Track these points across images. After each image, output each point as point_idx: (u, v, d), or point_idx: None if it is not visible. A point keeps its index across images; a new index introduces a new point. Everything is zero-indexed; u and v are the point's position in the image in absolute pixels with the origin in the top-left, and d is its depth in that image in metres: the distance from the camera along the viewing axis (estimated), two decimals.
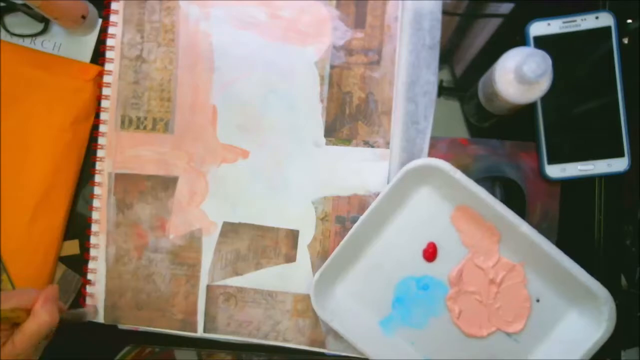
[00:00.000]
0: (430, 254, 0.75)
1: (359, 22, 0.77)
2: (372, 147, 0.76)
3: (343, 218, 0.77)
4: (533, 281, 0.73)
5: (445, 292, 0.75)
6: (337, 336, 0.75)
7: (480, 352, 0.74)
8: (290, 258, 0.77)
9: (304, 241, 0.78)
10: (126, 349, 0.84)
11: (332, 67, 0.78)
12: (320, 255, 0.77)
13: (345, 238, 0.74)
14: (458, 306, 0.74)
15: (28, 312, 0.63)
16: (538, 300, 0.73)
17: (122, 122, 0.79)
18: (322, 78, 0.78)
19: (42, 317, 0.62)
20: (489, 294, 0.74)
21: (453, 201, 0.74)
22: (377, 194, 0.76)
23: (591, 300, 0.70)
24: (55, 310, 0.64)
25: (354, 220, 0.75)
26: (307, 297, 0.77)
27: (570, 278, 0.70)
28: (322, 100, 0.77)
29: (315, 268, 0.77)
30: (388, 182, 0.76)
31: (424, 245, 0.75)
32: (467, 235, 0.74)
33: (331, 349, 0.77)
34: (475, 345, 0.75)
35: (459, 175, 0.71)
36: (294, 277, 0.78)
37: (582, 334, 0.70)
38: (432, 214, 0.75)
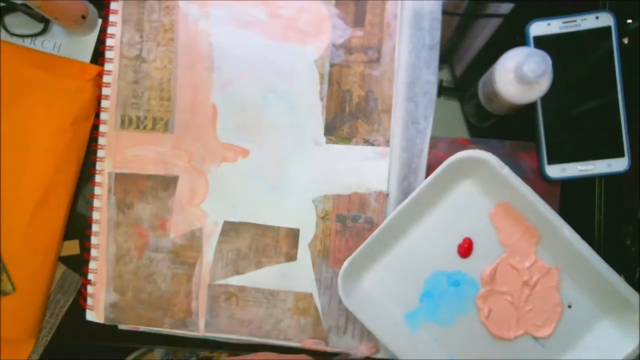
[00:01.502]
0: (466, 249, 0.74)
1: (358, 21, 0.77)
2: (372, 145, 0.76)
3: (344, 216, 0.77)
4: (567, 286, 0.72)
5: (476, 290, 0.74)
6: (339, 334, 0.75)
7: (505, 354, 0.73)
8: (291, 257, 0.78)
9: (304, 240, 0.78)
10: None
11: (331, 65, 0.78)
12: (321, 254, 0.77)
13: (380, 227, 0.72)
14: (488, 306, 0.73)
15: None
16: (570, 306, 0.72)
17: (122, 122, 0.79)
18: (321, 76, 0.78)
19: None
20: (521, 296, 0.73)
21: (495, 197, 0.73)
22: (377, 192, 0.76)
23: (627, 312, 0.69)
24: None
25: (355, 219, 0.76)
26: (308, 296, 0.77)
27: (607, 286, 0.68)
28: (322, 99, 0.77)
29: (316, 266, 0.77)
30: (388, 181, 0.76)
31: (459, 240, 0.74)
32: (506, 234, 0.73)
33: (333, 346, 0.77)
34: (500, 347, 0.73)
35: (506, 171, 0.69)
36: (295, 275, 0.78)
37: (613, 345, 0.70)
38: (472, 208, 0.74)
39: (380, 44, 0.77)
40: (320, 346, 0.77)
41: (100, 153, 0.79)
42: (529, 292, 0.72)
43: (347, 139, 0.77)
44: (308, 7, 0.78)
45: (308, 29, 0.78)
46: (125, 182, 0.79)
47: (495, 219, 0.73)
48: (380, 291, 0.75)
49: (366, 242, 0.72)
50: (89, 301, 0.79)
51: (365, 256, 0.73)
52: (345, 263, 0.72)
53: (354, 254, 0.72)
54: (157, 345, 0.81)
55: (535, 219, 0.71)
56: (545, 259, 0.72)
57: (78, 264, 0.80)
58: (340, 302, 0.76)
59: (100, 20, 0.81)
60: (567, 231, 0.69)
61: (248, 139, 0.78)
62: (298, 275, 0.78)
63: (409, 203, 0.71)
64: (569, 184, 0.77)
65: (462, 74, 0.79)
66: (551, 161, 0.75)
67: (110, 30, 0.80)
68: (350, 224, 0.77)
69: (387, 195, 0.77)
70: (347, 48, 0.77)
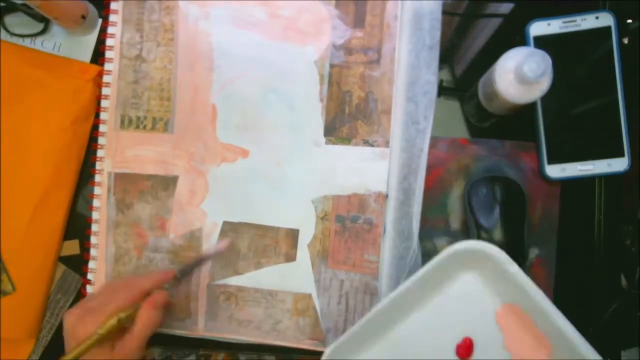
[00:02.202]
0: (465, 351, 0.67)
1: (358, 21, 0.77)
2: (372, 146, 0.76)
3: (343, 217, 0.77)
4: None
5: None
6: (338, 335, 0.75)
7: None
8: (291, 257, 0.77)
9: (304, 240, 0.78)
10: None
11: (331, 66, 0.78)
12: (320, 254, 0.77)
13: (368, 314, 0.65)
14: None
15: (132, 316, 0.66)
16: None
17: (122, 122, 0.79)
18: (321, 77, 0.78)
19: (145, 319, 0.66)
20: None
21: (502, 296, 0.66)
22: (377, 193, 0.76)
23: None
24: (159, 315, 0.68)
25: (354, 220, 0.76)
26: (307, 296, 0.77)
27: None
28: (321, 100, 0.77)
29: (315, 267, 0.77)
30: (388, 181, 0.76)
31: (458, 340, 0.67)
32: (513, 339, 0.65)
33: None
34: None
35: (515, 269, 0.62)
36: (294, 276, 0.78)
37: None
38: (474, 305, 0.67)
39: (380, 45, 0.77)
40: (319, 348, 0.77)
41: (100, 153, 0.79)
42: None
43: (346, 140, 0.77)
44: (308, 7, 0.78)
45: (308, 30, 0.78)
46: (124, 182, 0.79)
47: (502, 321, 0.66)
48: None
49: (353, 328, 0.66)
50: None
51: (352, 343, 0.67)
52: (329, 348, 0.67)
53: (338, 341, 0.66)
54: (157, 345, 0.81)
55: (547, 328, 0.63)
56: None
57: (78, 264, 0.80)
58: (339, 303, 0.76)
59: (100, 20, 0.81)
60: (584, 348, 0.60)
61: (248, 139, 0.78)
62: (297, 276, 0.78)
63: (401, 292, 0.65)
64: (569, 184, 0.77)
65: (462, 74, 0.79)
66: (551, 161, 0.75)
67: (110, 30, 0.80)
68: (349, 225, 0.77)
69: (387, 196, 0.76)
70: (347, 49, 0.77)
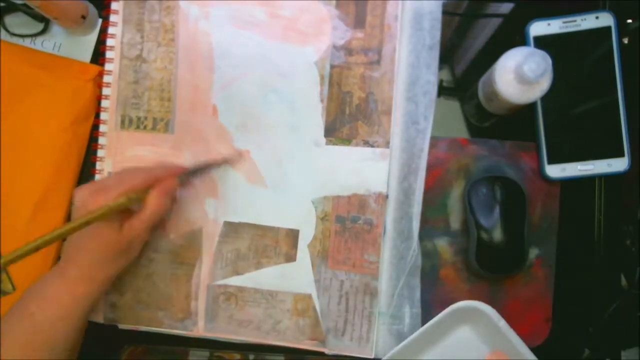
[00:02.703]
0: None
1: (358, 22, 0.77)
2: (372, 146, 0.76)
3: (343, 217, 0.77)
4: None
5: None
6: (338, 335, 0.75)
7: None
8: (291, 257, 0.77)
9: (304, 240, 0.78)
10: None
11: (332, 66, 0.78)
12: (320, 255, 0.77)
13: None
14: None
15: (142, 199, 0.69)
16: None
17: (122, 122, 0.79)
18: (322, 78, 0.78)
19: (154, 204, 0.69)
20: None
21: (490, 344, 0.73)
22: (377, 194, 0.76)
23: None
24: (167, 202, 0.71)
25: (354, 220, 0.76)
26: (307, 297, 0.77)
27: None
28: (322, 100, 0.77)
29: (315, 267, 0.77)
30: (388, 182, 0.76)
31: None
32: None
33: (331, 348, 0.77)
34: None
35: (502, 323, 0.70)
36: (294, 276, 0.78)
37: None
38: (468, 353, 0.74)
39: (380, 46, 0.77)
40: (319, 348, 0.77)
41: (100, 153, 0.79)
42: None
43: (347, 140, 0.77)
44: (308, 8, 0.78)
45: (308, 30, 0.78)
46: None
47: None
48: None
49: None
50: None
51: None
52: None
53: None
54: (158, 345, 0.81)
55: None
56: None
57: None
58: (338, 303, 0.76)
59: (100, 20, 0.81)
60: None
61: (248, 139, 0.78)
62: (297, 276, 0.78)
63: (408, 344, 0.72)
64: (569, 184, 0.77)
65: (462, 74, 0.79)
66: (551, 161, 0.75)
67: (110, 30, 0.80)
68: (349, 225, 0.77)
69: (387, 196, 0.76)
70: (347, 49, 0.77)
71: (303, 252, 0.78)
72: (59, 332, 0.67)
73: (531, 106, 0.75)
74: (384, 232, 0.77)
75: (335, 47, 0.78)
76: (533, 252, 0.77)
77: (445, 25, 0.77)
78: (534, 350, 0.70)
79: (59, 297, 0.67)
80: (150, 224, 0.70)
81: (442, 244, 0.78)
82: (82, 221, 0.63)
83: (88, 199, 0.66)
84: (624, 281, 0.77)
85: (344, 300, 0.77)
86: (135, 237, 0.69)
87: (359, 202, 0.77)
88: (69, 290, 0.68)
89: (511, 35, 0.78)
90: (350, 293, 0.77)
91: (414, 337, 0.72)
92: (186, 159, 0.78)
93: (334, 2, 0.78)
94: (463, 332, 0.74)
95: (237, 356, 0.80)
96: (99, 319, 0.79)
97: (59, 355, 0.67)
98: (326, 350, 0.77)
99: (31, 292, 0.68)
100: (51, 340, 0.66)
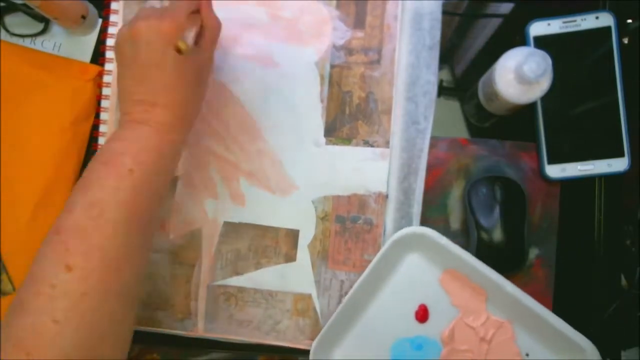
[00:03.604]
0: (422, 315, 0.76)
1: (358, 22, 0.77)
2: (372, 146, 0.76)
3: (343, 217, 0.77)
4: (522, 336, 0.74)
5: (440, 351, 0.76)
6: None
7: None
8: (291, 257, 0.77)
9: (304, 240, 0.78)
10: None
11: (332, 66, 0.78)
12: (321, 255, 0.77)
13: (341, 305, 0.75)
14: None
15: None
16: (527, 355, 0.74)
17: None
18: (322, 78, 0.78)
19: (212, 21, 0.67)
20: (481, 351, 0.75)
21: (441, 265, 0.76)
22: (377, 193, 0.76)
23: (578, 353, 0.70)
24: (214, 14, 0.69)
25: (354, 220, 0.76)
26: (307, 297, 0.77)
27: (556, 332, 0.71)
28: (322, 100, 0.77)
29: (315, 267, 0.77)
30: (388, 182, 0.76)
31: (415, 308, 0.77)
32: (456, 296, 0.76)
33: None
34: None
35: (444, 241, 0.73)
36: (294, 276, 0.78)
37: None
38: (422, 278, 0.77)
39: (380, 46, 0.77)
40: None
41: None
42: (488, 347, 0.75)
43: (347, 140, 0.77)
44: (309, 8, 0.78)
45: (309, 31, 0.78)
46: None
47: (445, 284, 0.76)
48: None
49: (330, 320, 0.75)
50: None
51: (332, 333, 0.76)
52: (314, 343, 0.75)
53: (321, 333, 0.75)
54: (157, 345, 0.81)
55: (479, 280, 0.74)
56: (496, 314, 0.75)
57: None
58: (339, 303, 0.76)
59: (100, 20, 0.81)
60: (509, 287, 0.72)
61: (248, 140, 0.78)
62: (297, 276, 0.78)
63: (363, 280, 0.75)
64: (569, 184, 0.77)
65: (462, 74, 0.79)
66: (551, 161, 0.75)
67: (111, 30, 0.80)
68: (349, 225, 0.77)
69: (387, 196, 0.76)
70: (347, 49, 0.77)
71: (303, 252, 0.78)
72: (160, 186, 0.64)
73: (531, 106, 0.74)
74: (384, 232, 0.77)
75: (335, 47, 0.78)
76: (533, 252, 0.77)
77: (445, 25, 0.77)
78: None
79: (157, 146, 0.62)
80: (214, 43, 0.68)
81: None
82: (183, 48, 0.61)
83: (160, 26, 0.61)
84: (624, 281, 0.77)
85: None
86: (207, 61, 0.68)
87: (359, 202, 0.77)
88: (164, 138, 0.63)
89: (511, 35, 0.78)
90: None
91: (365, 276, 0.75)
92: (186, 159, 0.78)
93: (334, 2, 0.78)
94: (412, 260, 0.77)
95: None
96: None
97: (156, 215, 0.64)
98: None
99: (116, 148, 0.62)
100: (152, 197, 0.62)
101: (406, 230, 0.74)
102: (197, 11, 0.66)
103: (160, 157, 0.62)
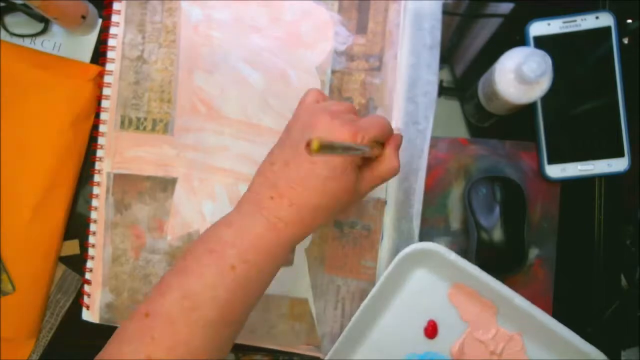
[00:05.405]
0: (431, 331, 0.76)
1: (360, 28, 0.77)
2: None
3: (341, 223, 0.77)
4: (532, 349, 0.74)
5: None
6: (333, 341, 0.75)
7: None
8: (288, 262, 0.77)
9: (301, 245, 0.77)
10: None
11: (333, 72, 0.78)
12: (318, 260, 0.77)
13: (349, 324, 0.73)
14: None
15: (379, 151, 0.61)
16: None
17: (122, 123, 0.79)
18: (322, 83, 0.78)
19: (393, 162, 0.61)
20: None
21: (449, 280, 0.75)
22: (375, 199, 0.76)
23: None
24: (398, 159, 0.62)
25: (352, 225, 0.76)
26: (303, 301, 0.77)
27: (567, 344, 0.70)
28: None
29: (312, 272, 0.77)
30: (386, 187, 0.76)
31: (424, 324, 0.76)
32: (465, 311, 0.75)
33: (327, 353, 0.76)
34: None
35: (453, 256, 0.72)
36: (290, 280, 0.77)
37: None
38: (430, 293, 0.76)
39: (382, 53, 0.77)
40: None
41: (99, 153, 0.79)
42: None
43: None
44: (311, 12, 0.78)
45: (310, 35, 0.78)
46: (123, 182, 0.79)
47: (454, 299, 0.76)
48: None
49: (339, 339, 0.74)
50: (87, 300, 0.79)
51: (341, 351, 0.75)
52: (328, 356, 0.75)
53: (331, 350, 0.74)
54: None
55: (488, 293, 0.74)
56: (506, 327, 0.75)
57: (78, 264, 0.80)
58: (335, 308, 0.76)
59: (100, 20, 0.81)
60: (518, 300, 0.71)
61: (248, 142, 0.78)
62: (294, 281, 0.77)
63: (370, 299, 0.73)
64: (569, 184, 0.77)
65: (462, 74, 0.79)
66: (551, 161, 0.75)
67: (112, 30, 0.80)
68: (347, 231, 0.77)
69: (385, 202, 0.76)
70: (349, 55, 0.77)
71: (300, 256, 0.77)
72: (262, 285, 0.60)
73: (531, 106, 0.74)
74: (382, 238, 0.77)
75: (336, 53, 0.78)
76: (533, 252, 0.77)
77: (445, 25, 0.77)
78: None
79: (267, 246, 0.58)
80: (382, 181, 0.62)
81: (442, 244, 0.77)
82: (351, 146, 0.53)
83: (339, 132, 0.56)
84: (624, 281, 0.77)
85: (341, 306, 0.77)
86: (365, 191, 0.61)
87: (357, 207, 0.76)
88: (278, 235, 0.58)
89: (511, 35, 0.78)
90: (346, 298, 0.77)
91: (373, 293, 0.73)
92: (186, 161, 0.78)
93: (336, 7, 0.78)
94: (420, 275, 0.76)
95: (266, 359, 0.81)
96: (95, 319, 0.79)
97: (250, 311, 0.60)
98: (321, 356, 0.77)
99: (226, 236, 0.58)
100: (251, 298, 0.59)
101: (414, 247, 0.72)
102: (382, 143, 0.62)
103: (268, 257, 0.58)
